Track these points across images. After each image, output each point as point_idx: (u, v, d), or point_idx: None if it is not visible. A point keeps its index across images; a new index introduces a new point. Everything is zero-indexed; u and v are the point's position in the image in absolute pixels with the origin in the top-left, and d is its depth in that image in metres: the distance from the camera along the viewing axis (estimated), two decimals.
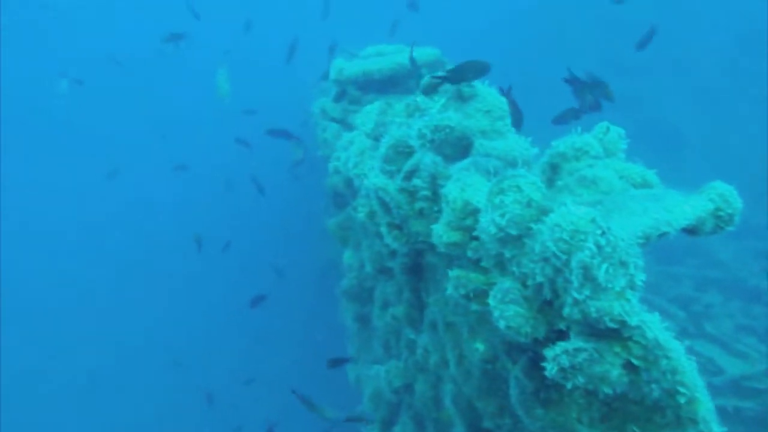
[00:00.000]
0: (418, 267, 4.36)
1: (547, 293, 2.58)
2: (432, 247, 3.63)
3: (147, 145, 17.18)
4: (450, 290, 3.06)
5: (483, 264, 3.00)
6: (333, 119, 6.78)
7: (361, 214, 4.85)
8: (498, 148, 3.74)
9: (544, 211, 2.66)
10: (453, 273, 3.03)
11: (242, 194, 14.16)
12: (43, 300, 15.68)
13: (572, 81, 4.02)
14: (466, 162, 3.36)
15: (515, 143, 3.79)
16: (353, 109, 6.56)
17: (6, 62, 20.14)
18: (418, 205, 3.41)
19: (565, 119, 4.73)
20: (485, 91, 4.15)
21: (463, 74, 3.81)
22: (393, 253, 4.45)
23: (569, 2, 16.53)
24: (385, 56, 6.52)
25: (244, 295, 13.44)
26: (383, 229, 3.67)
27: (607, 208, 2.61)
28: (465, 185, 3.05)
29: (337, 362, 5.63)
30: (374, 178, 3.57)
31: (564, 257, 2.39)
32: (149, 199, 17.21)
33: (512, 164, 3.71)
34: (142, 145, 17.42)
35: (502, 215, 2.67)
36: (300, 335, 13.43)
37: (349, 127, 6.72)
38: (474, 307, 3.07)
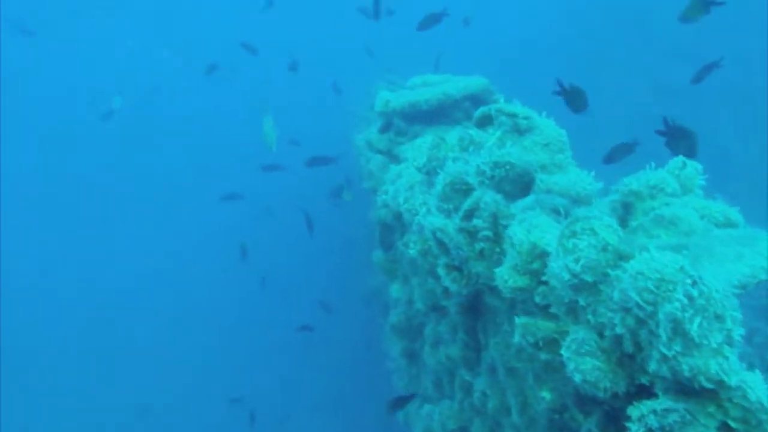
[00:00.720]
0: (475, 307, 4.18)
1: (628, 346, 2.39)
2: (492, 288, 3.46)
3: (191, 176, 17.43)
4: (517, 338, 2.88)
5: (553, 310, 2.82)
6: (379, 151, 6.69)
7: (412, 251, 4.71)
8: (559, 183, 3.56)
9: (622, 256, 2.47)
10: (520, 320, 2.85)
11: (285, 222, 14.22)
12: (94, 330, 15.89)
13: (667, 131, 3.83)
14: (529, 200, 3.20)
15: (578, 178, 3.61)
16: (399, 141, 6.46)
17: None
18: (479, 245, 3.25)
19: (616, 157, 4.52)
20: (543, 122, 3.99)
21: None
22: (447, 292, 4.28)
23: (615, 23, 16.24)
24: (432, 86, 6.41)
25: (288, 325, 13.40)
26: (441, 271, 3.52)
27: (694, 254, 2.41)
28: (531, 226, 2.89)
29: (399, 402, 5.39)
30: (432, 218, 3.43)
31: (649, 308, 2.20)
32: (195, 228, 17.42)
33: (577, 201, 3.53)
34: (186, 176, 17.69)
35: (576, 260, 2.50)
36: (345, 364, 13.28)
37: (395, 159, 6.62)
38: (543, 356, 2.88)
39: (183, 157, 19.25)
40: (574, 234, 2.55)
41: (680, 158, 2.99)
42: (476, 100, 6.36)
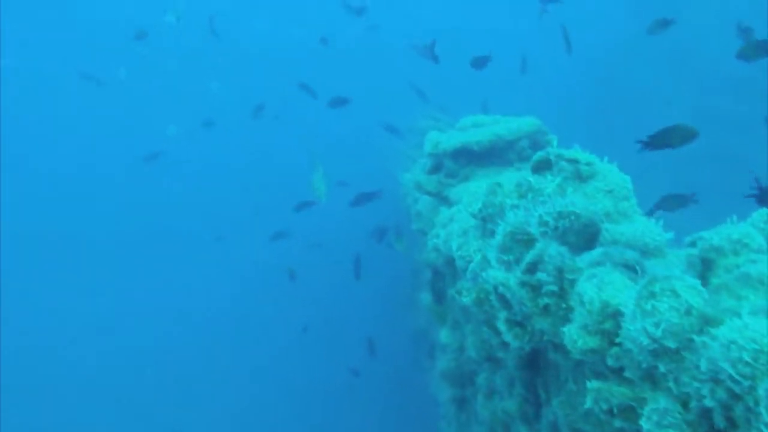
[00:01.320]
0: (535, 361, 3.98)
1: (719, 421, 2.17)
2: (556, 345, 3.27)
3: (243, 215, 17.64)
4: (589, 403, 2.69)
5: (627, 375, 2.62)
6: (428, 192, 6.58)
7: (466, 300, 4.54)
8: (626, 233, 3.38)
9: (709, 321, 2.28)
10: (593, 385, 2.66)
11: (332, 260, 14.20)
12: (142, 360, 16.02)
13: (759, 193, 3.59)
14: (596, 253, 3.02)
15: (645, 228, 3.42)
16: (450, 183, 6.35)
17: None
18: (543, 301, 3.07)
19: (671, 206, 4.28)
20: (605, 168, 3.82)
21: (664, 140, 3.49)
22: (505, 345, 4.08)
23: (660, 54, 15.95)
24: (483, 127, 6.32)
25: (332, 366, 13.27)
26: (502, 326, 3.35)
27: None
28: (602, 283, 2.71)
29: None
30: (494, 272, 3.28)
31: (746, 383, 1.99)
32: (244, 265, 17.59)
33: (646, 252, 3.33)
34: (237, 215, 17.91)
35: (656, 324, 2.31)
36: (390, 407, 13.01)
37: (445, 200, 6.50)
38: (618, 423, 2.67)
39: (233, 193, 19.57)
40: (653, 295, 2.37)
41: (765, 211, 2.78)
42: (530, 140, 6.23)
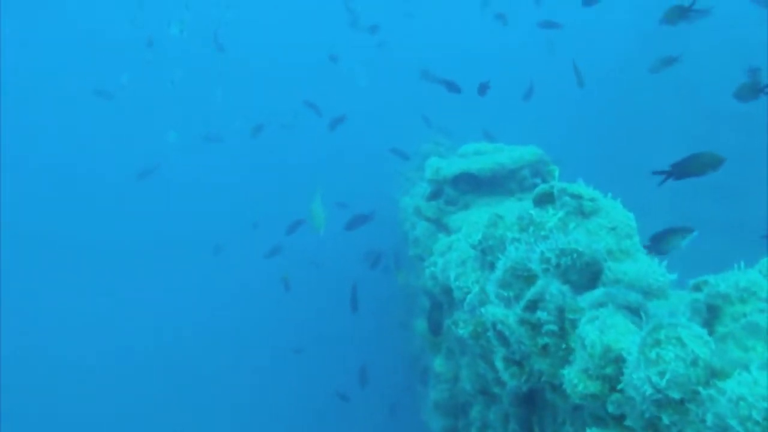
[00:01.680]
0: (531, 399, 3.87)
1: None
2: (555, 387, 3.18)
3: (241, 228, 17.57)
4: None
5: (628, 423, 2.52)
6: (428, 219, 6.51)
7: (463, 332, 4.46)
8: (629, 273, 3.29)
9: (716, 373, 2.19)
10: None
11: (329, 278, 14.10)
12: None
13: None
14: (599, 294, 2.94)
15: (649, 268, 3.34)
16: (449, 210, 6.28)
17: None
18: (543, 340, 2.99)
19: (666, 244, 4.17)
20: (609, 204, 3.75)
21: (689, 168, 3.41)
22: (501, 381, 3.98)
23: (664, 91, 16.00)
24: (485, 155, 6.27)
25: (325, 387, 13.06)
26: (499, 363, 3.26)
27: None
28: (604, 326, 2.63)
29: None
30: (492, 308, 3.20)
31: None
32: (237, 281, 17.47)
33: (649, 293, 3.25)
34: (235, 227, 17.84)
35: (661, 374, 2.22)
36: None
37: (444, 227, 6.43)
38: None
39: (231, 206, 19.52)
40: (658, 343, 2.29)
41: None
42: (531, 170, 6.17)
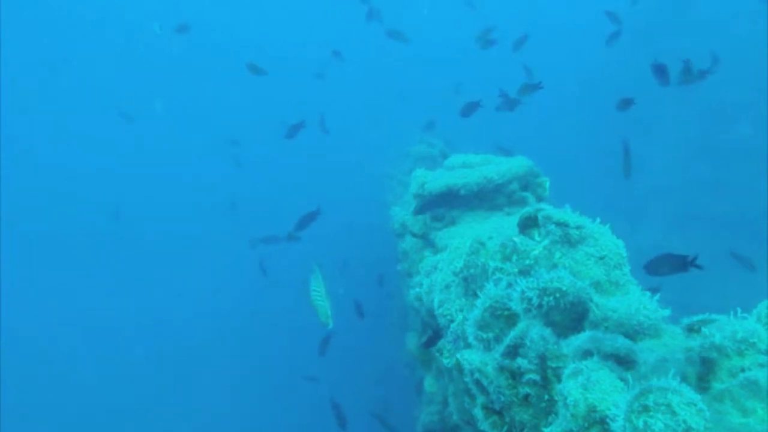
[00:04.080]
0: None
1: None
2: None
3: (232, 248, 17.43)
4: None
5: None
6: (414, 234, 6.26)
7: (447, 362, 4.23)
8: (618, 310, 3.04)
9: None
10: None
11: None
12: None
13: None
14: (584, 338, 2.69)
15: (639, 304, 3.08)
16: (436, 227, 6.03)
17: None
18: (524, 390, 2.75)
19: (663, 269, 3.94)
20: (597, 231, 3.50)
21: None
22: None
23: (659, 91, 15.77)
24: (472, 168, 6.00)
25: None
26: (478, 412, 3.02)
27: None
28: (588, 382, 2.38)
29: None
30: (469, 355, 2.95)
31: None
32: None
33: (639, 332, 3.01)
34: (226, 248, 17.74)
35: None
36: None
37: (431, 243, 6.19)
38: None
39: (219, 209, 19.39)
40: (646, 409, 2.05)
41: None
42: (520, 183, 5.92)
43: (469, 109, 6.55)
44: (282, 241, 11.44)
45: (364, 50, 20.46)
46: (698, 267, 3.45)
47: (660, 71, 6.14)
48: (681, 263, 3.55)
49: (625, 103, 6.94)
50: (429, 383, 6.31)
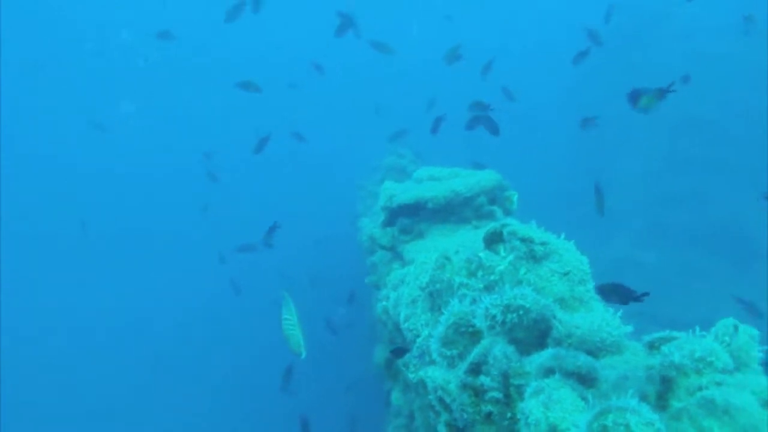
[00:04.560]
0: None
1: None
2: None
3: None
4: None
5: None
6: (383, 247, 6.24)
7: (412, 377, 4.20)
8: (581, 327, 3.05)
9: None
10: None
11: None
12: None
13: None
14: (547, 356, 2.69)
15: (602, 321, 3.10)
16: (404, 239, 6.01)
17: None
18: (486, 408, 2.73)
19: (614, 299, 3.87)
20: (563, 246, 3.52)
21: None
22: None
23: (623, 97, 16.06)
24: (440, 181, 6.02)
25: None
26: (441, 429, 2.99)
27: None
28: (550, 401, 2.37)
29: None
30: (433, 372, 2.93)
31: None
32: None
33: (601, 349, 3.02)
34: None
35: None
36: None
37: (399, 256, 6.17)
38: None
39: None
40: (604, 429, 2.05)
41: (730, 321, 2.49)
42: (488, 197, 5.95)
43: (436, 124, 6.55)
44: (258, 249, 11.34)
45: (343, 62, 20.50)
46: (640, 301, 3.38)
47: (635, 99, 6.13)
48: (627, 297, 3.46)
49: (587, 122, 7.03)
50: (396, 396, 6.26)
